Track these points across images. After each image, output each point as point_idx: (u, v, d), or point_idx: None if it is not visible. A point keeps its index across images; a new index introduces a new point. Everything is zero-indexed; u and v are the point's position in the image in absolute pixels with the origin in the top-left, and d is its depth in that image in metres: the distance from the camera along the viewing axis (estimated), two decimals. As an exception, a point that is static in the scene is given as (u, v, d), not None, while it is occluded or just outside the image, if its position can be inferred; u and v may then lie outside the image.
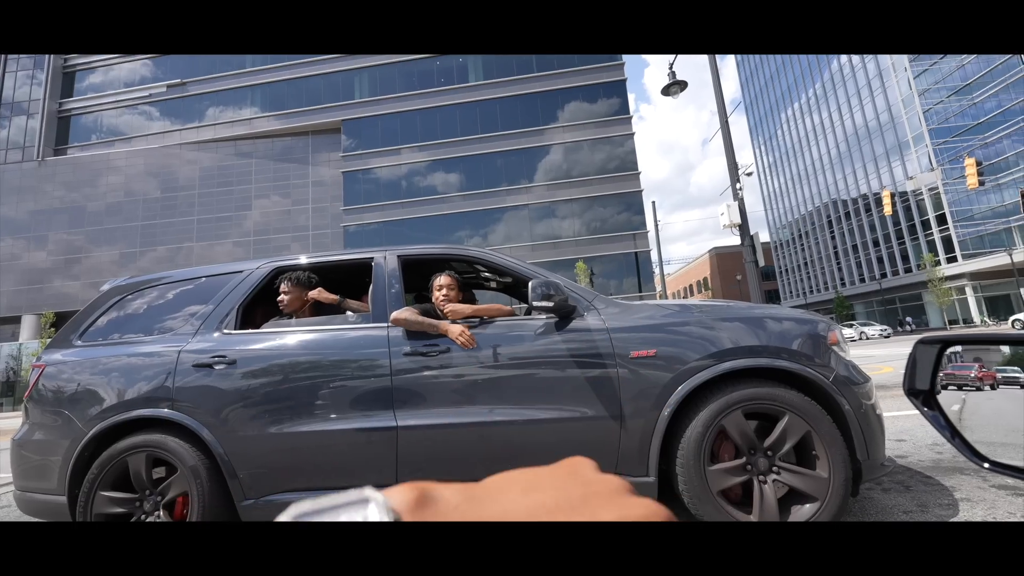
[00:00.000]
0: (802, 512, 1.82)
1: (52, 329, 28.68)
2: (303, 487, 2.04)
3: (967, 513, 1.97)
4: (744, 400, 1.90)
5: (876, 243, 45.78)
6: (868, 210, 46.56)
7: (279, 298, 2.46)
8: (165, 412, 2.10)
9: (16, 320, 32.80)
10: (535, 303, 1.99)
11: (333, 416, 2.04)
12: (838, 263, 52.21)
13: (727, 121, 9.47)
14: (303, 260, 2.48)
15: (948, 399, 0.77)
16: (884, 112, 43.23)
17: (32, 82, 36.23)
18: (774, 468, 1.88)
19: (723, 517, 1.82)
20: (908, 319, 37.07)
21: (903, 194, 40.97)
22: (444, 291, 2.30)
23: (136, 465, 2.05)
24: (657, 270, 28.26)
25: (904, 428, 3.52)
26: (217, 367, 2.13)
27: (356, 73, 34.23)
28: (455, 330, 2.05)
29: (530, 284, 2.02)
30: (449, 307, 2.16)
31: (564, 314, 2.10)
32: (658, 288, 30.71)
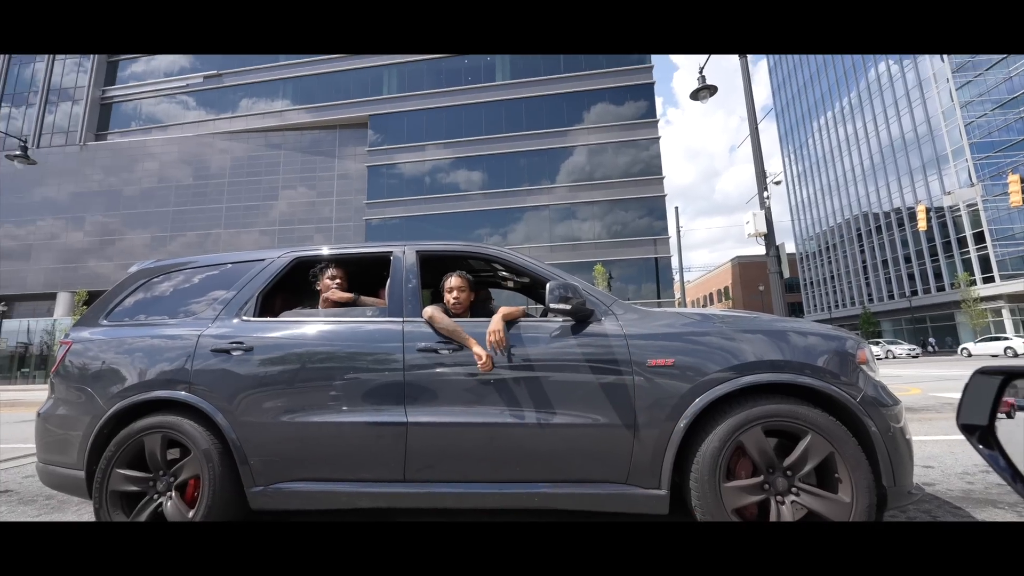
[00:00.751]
0: (821, 537, 1.74)
1: (84, 307, 29.81)
2: (312, 477, 2.05)
3: (1000, 550, 1.86)
4: (765, 416, 1.82)
5: (908, 259, 44.18)
6: (900, 225, 44.97)
7: (334, 285, 2.45)
8: (182, 395, 2.13)
9: (52, 297, 34.25)
10: (552, 305, 1.96)
11: (344, 408, 2.04)
12: (866, 278, 50.58)
13: (757, 128, 9.24)
14: (323, 251, 2.50)
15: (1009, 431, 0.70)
16: (923, 124, 41.68)
17: (79, 69, 37.77)
18: (793, 489, 1.80)
19: (737, 536, 1.75)
20: (931, 340, 35.62)
21: (939, 210, 39.44)
22: (455, 293, 2.25)
23: (152, 445, 2.09)
24: (677, 277, 27.84)
25: (932, 454, 3.37)
26: (234, 353, 2.16)
27: (385, 69, 34.67)
28: (481, 354, 1.97)
29: (548, 286, 1.98)
30: (492, 336, 2.00)
31: (581, 318, 2.06)
32: (677, 295, 30.25)
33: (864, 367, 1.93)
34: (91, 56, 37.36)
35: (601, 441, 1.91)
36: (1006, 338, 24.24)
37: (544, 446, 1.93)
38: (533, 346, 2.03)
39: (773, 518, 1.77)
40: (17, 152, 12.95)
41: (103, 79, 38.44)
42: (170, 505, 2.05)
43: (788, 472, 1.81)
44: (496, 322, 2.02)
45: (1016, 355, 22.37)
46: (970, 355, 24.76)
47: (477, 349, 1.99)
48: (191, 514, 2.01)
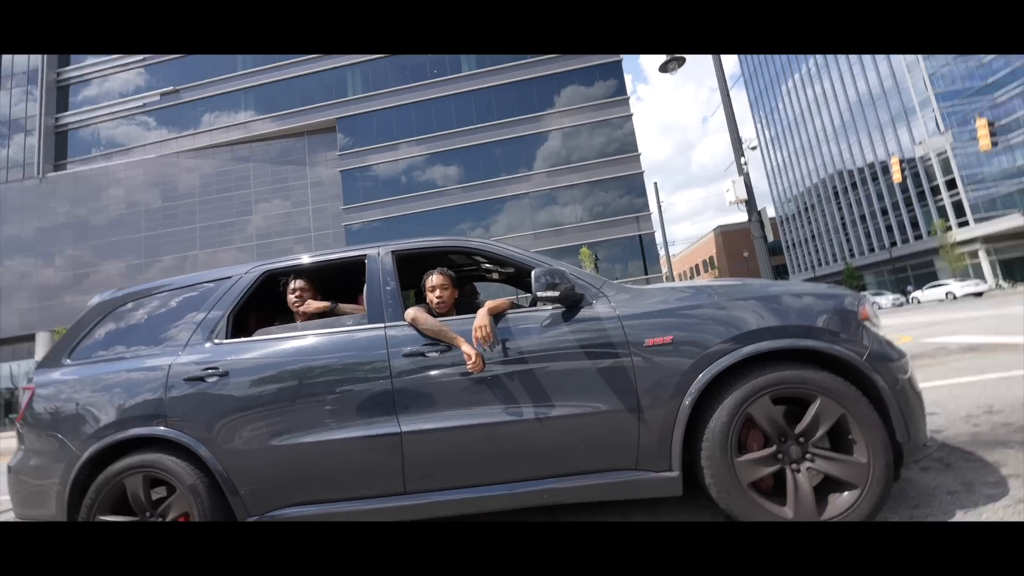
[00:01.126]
0: (841, 500, 1.70)
1: (65, 344, 28.90)
2: (308, 500, 1.94)
3: (1020, 491, 1.83)
4: (771, 385, 1.76)
5: (884, 212, 45.02)
6: (875, 179, 45.72)
7: (295, 295, 2.33)
8: (160, 430, 2.00)
9: (31, 338, 33.20)
10: (539, 293, 1.86)
11: (332, 424, 1.93)
12: (846, 234, 51.46)
13: (728, 95, 9.19)
14: (293, 262, 2.36)
15: None
16: (888, 78, 42.21)
17: (28, 98, 36.27)
18: (807, 456, 1.75)
19: (755, 510, 1.70)
20: (909, 288, 36.26)
21: (910, 160, 40.11)
22: (437, 292, 2.14)
23: (134, 487, 1.96)
24: (662, 252, 27.96)
25: (934, 400, 3.37)
26: (209, 379, 2.03)
27: (348, 70, 33.88)
28: (470, 353, 1.87)
29: (533, 273, 1.88)
30: (479, 332, 1.88)
31: (571, 303, 1.96)
32: (664, 270, 30.45)
33: (866, 323, 1.88)
34: (39, 82, 35.90)
35: (605, 429, 1.83)
36: (945, 284, 27.21)
37: (546, 441, 1.85)
38: (524, 338, 1.94)
39: (790, 487, 1.71)
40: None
41: (55, 106, 36.98)
42: (159, 546, 1.92)
43: (801, 439, 1.76)
44: (482, 317, 1.91)
45: (955, 298, 25.01)
46: (919, 302, 27.33)
47: (466, 348, 1.88)
48: (183, 553, 1.88)
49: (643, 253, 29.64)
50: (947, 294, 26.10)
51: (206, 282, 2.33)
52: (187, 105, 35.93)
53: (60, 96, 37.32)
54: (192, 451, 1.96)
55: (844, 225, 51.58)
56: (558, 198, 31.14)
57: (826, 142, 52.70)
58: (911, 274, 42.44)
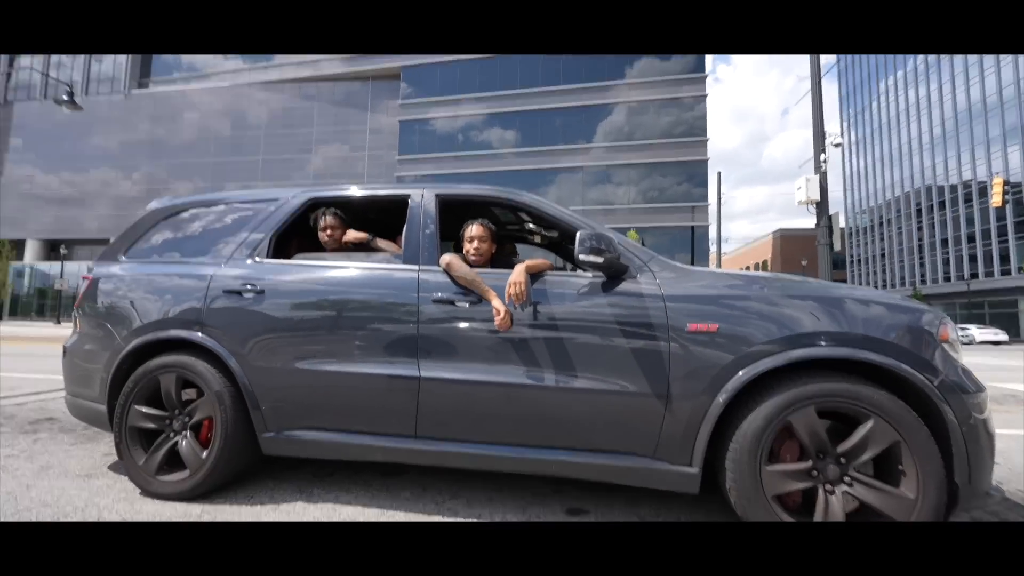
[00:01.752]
0: (874, 532, 1.55)
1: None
2: (323, 426, 1.98)
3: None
4: (819, 395, 1.60)
5: (971, 239, 40.83)
6: (967, 200, 41.30)
7: (325, 233, 2.35)
8: (197, 336, 2.08)
9: (106, 242, 36.24)
10: (582, 256, 1.74)
11: (355, 358, 1.94)
12: (920, 257, 47.30)
13: (819, 83, 8.37)
14: (339, 192, 2.34)
15: None
16: (1009, 87, 37.27)
17: (121, 16, 38.14)
18: (846, 478, 1.60)
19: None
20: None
21: (1015, 185, 35.87)
22: (475, 243, 2.07)
23: (167, 384, 2.07)
24: (713, 247, 26.77)
25: (999, 449, 3.04)
26: (246, 295, 2.07)
27: (420, 18, 33.36)
28: (500, 308, 1.80)
29: (578, 235, 1.77)
30: (513, 288, 1.79)
31: (613, 273, 1.84)
32: (712, 266, 29.19)
33: (945, 346, 1.66)
34: (133, 2, 37.56)
35: (628, 410, 1.74)
36: (966, 328, 27.19)
37: (565, 411, 1.78)
38: (558, 303, 1.85)
39: (819, 508, 1.57)
40: (64, 97, 13.27)
41: (145, 26, 38.77)
42: (185, 444, 2.04)
43: (842, 459, 1.60)
44: (518, 273, 1.83)
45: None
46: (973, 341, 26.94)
47: (496, 303, 1.81)
48: (204, 454, 1.99)
49: (693, 246, 28.46)
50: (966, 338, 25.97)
51: (256, 201, 2.36)
52: (263, 38, 36.74)
53: (150, 16, 38.98)
54: (223, 361, 2.03)
55: (920, 247, 47.35)
56: (613, 176, 30.10)
57: (918, 152, 47.79)
58: (988, 312, 38.78)
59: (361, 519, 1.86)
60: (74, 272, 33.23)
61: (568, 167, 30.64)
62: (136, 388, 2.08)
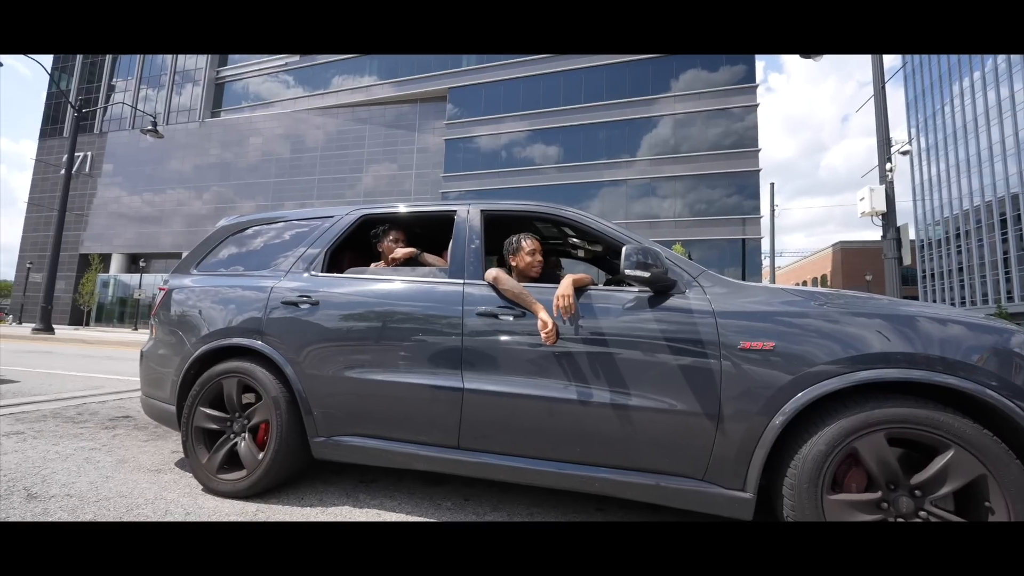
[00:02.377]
0: None
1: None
2: (370, 433, 2.04)
3: None
4: (891, 421, 1.47)
5: (1068, 252, 36.62)
6: (1063, 210, 37.17)
7: (396, 246, 2.48)
8: (257, 344, 2.21)
9: (179, 256, 39.51)
10: (628, 271, 1.72)
11: (402, 368, 1.99)
12: (1007, 272, 42.86)
13: (883, 87, 7.88)
14: (389, 209, 2.45)
15: None
16: (1110, 84, 33.52)
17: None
18: (921, 512, 1.46)
19: (840, 558, 1.46)
20: None
21: (1122, 192, 31.95)
22: (538, 256, 2.15)
23: (229, 388, 2.21)
24: (766, 261, 25.52)
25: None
26: (302, 306, 2.19)
27: (466, 41, 34.59)
28: (547, 321, 1.80)
29: (624, 249, 1.74)
30: (561, 301, 1.81)
31: (661, 288, 1.80)
32: (765, 281, 27.78)
33: (1039, 371, 1.49)
34: (209, 39, 41.37)
35: (676, 430, 1.68)
36: None
37: (609, 428, 1.74)
38: (604, 317, 1.82)
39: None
40: (149, 127, 14.82)
41: (217, 60, 42.56)
42: (243, 446, 2.16)
43: (917, 491, 1.46)
44: (566, 286, 1.83)
45: None
46: None
47: (544, 316, 1.82)
48: (260, 456, 2.10)
49: (744, 260, 27.25)
50: None
51: (312, 218, 2.51)
52: (320, 67, 39.36)
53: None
54: (280, 368, 2.15)
55: (1006, 261, 42.94)
56: (658, 189, 29.53)
57: (1000, 158, 43.69)
58: (1091, 333, 34.36)
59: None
60: (150, 283, 36.36)
61: (611, 180, 30.39)
62: (202, 391, 2.24)
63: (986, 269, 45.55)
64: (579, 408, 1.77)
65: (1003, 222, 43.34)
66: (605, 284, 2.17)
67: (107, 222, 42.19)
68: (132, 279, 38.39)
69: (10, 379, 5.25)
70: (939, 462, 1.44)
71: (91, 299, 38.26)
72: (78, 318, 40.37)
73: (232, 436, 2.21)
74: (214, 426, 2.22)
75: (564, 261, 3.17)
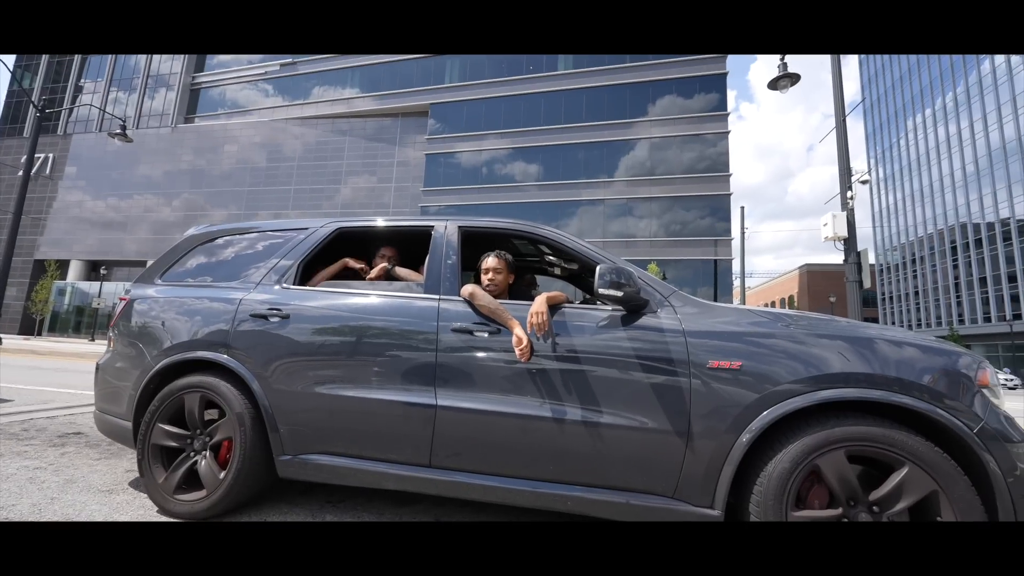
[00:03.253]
0: (913, 590, 1.44)
1: (170, 275, 32.77)
2: (339, 452, 1.98)
3: None
4: (850, 439, 1.53)
5: (1012, 278, 39.05)
6: (1007, 239, 39.76)
7: (384, 262, 2.45)
8: (223, 357, 2.14)
9: (143, 264, 38.00)
10: (601, 290, 1.75)
11: (374, 384, 1.96)
12: (958, 296, 45.33)
13: (844, 120, 8.36)
14: (365, 222, 2.43)
15: None
16: (1045, 125, 36.40)
17: (175, 56, 41.33)
18: (880, 528, 1.51)
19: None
20: (1007, 370, 30.30)
21: (1058, 224, 34.45)
22: (491, 275, 2.15)
23: (191, 403, 2.12)
24: (737, 282, 26.30)
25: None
26: (272, 319, 2.14)
27: (448, 58, 35.08)
28: (522, 337, 1.81)
29: (598, 269, 1.78)
30: (535, 318, 1.83)
31: (633, 307, 1.84)
32: (735, 301, 28.60)
33: (985, 391, 1.58)
34: (186, 45, 40.66)
35: (647, 447, 1.70)
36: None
37: (581, 446, 1.74)
38: (577, 336, 1.84)
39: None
40: (118, 131, 14.33)
41: (194, 66, 41.78)
42: (204, 464, 2.07)
43: (874, 507, 1.52)
44: (540, 304, 1.84)
45: None
46: None
47: (518, 332, 1.82)
48: (222, 475, 2.01)
49: (716, 280, 28.02)
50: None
51: (286, 230, 2.47)
52: (302, 77, 39.12)
53: (199, 57, 42.08)
54: (246, 383, 2.08)
55: (957, 286, 45.45)
56: (635, 210, 30.23)
57: (951, 190, 46.59)
58: (1034, 354, 36.56)
59: (372, 550, 1.83)
60: (111, 292, 34.75)
61: (589, 199, 30.96)
62: (161, 406, 2.14)
63: (939, 293, 48.08)
64: (553, 425, 1.77)
65: (954, 249, 46.03)
66: (581, 303, 2.20)
67: (67, 227, 40.30)
68: (92, 287, 36.64)
69: (-52, 392, 4.90)
70: (895, 479, 1.50)
71: (45, 307, 36.21)
72: (29, 327, 38.09)
73: (192, 454, 2.11)
74: (173, 443, 2.12)
75: (540, 279, 3.20)
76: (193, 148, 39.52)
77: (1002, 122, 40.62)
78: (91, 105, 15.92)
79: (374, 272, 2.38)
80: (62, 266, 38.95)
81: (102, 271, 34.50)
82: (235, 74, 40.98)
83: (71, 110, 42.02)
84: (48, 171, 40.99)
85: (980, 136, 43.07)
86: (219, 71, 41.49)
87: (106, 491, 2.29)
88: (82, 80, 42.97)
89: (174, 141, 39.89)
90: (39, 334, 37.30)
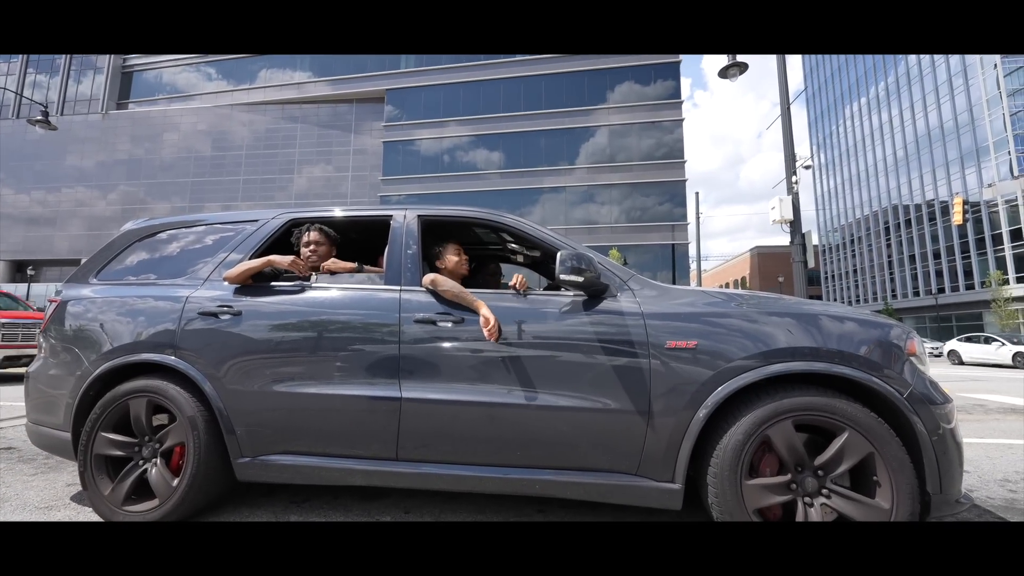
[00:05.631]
0: (853, 544, 1.56)
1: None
2: (301, 451, 1.93)
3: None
4: (797, 409, 1.63)
5: (937, 255, 42.60)
6: (931, 219, 43.25)
7: (308, 249, 2.23)
8: (170, 359, 2.02)
9: (76, 263, 35.15)
10: (562, 276, 1.77)
11: (335, 380, 1.90)
12: (891, 273, 49.05)
13: (788, 108, 8.76)
14: (320, 213, 2.34)
15: None
16: (964, 113, 39.58)
17: (100, 37, 37.91)
18: (824, 490, 1.62)
19: (757, 538, 1.58)
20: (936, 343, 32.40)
21: (974, 204, 37.75)
22: (462, 254, 2.19)
23: (136, 409, 2.00)
24: (694, 265, 27.29)
25: (968, 458, 3.14)
26: (223, 316, 2.03)
27: (404, 42, 34.04)
28: (489, 317, 1.81)
29: (559, 255, 1.80)
30: (487, 323, 1.84)
31: (594, 292, 1.87)
32: (693, 283, 29.74)
33: (913, 359, 1.72)
34: (114, 23, 37.44)
35: (610, 428, 1.74)
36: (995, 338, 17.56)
37: (547, 430, 1.77)
38: (540, 322, 1.86)
39: (799, 520, 1.59)
40: (39, 117, 13.06)
41: (125, 47, 38.58)
42: (155, 472, 1.96)
43: (819, 472, 1.63)
44: (487, 311, 1.84)
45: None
46: (961, 361, 18.20)
47: (485, 312, 1.82)
48: (175, 482, 1.91)
49: (674, 264, 28.99)
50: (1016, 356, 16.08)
51: (236, 222, 2.34)
52: (247, 59, 36.90)
53: (131, 37, 38.83)
54: (197, 384, 1.98)
55: (890, 263, 49.14)
56: (596, 196, 30.68)
57: (884, 174, 50.04)
58: (955, 324, 40.19)
59: (340, 547, 1.80)
60: (41, 294, 32.01)
61: (552, 187, 31.15)
62: (104, 414, 2.00)
63: (875, 270, 51.85)
64: (518, 412, 1.78)
65: (887, 229, 49.61)
66: (544, 289, 2.22)
67: (-16, 224, 36.68)
68: (18, 289, 33.57)
69: None
70: (836, 444, 1.61)
71: (-37, 313, 32.93)
72: (-55, 336, 34.58)
73: (141, 462, 1.99)
74: (119, 452, 1.99)
75: (504, 266, 3.20)
76: (129, 136, 36.66)
77: (927, 111, 43.84)
78: (5, 89, 14.41)
79: (339, 268, 2.19)
80: (-19, 267, 35.48)
81: (29, 271, 31.63)
82: (172, 56, 38.11)
83: (-19, 94, 37.95)
84: (-42, 162, 37.02)
85: (908, 124, 46.34)
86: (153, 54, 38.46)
87: (45, 508, 2.13)
88: (-8, 61, 38.80)
89: (106, 129, 36.85)
90: (-42, 343, 33.92)
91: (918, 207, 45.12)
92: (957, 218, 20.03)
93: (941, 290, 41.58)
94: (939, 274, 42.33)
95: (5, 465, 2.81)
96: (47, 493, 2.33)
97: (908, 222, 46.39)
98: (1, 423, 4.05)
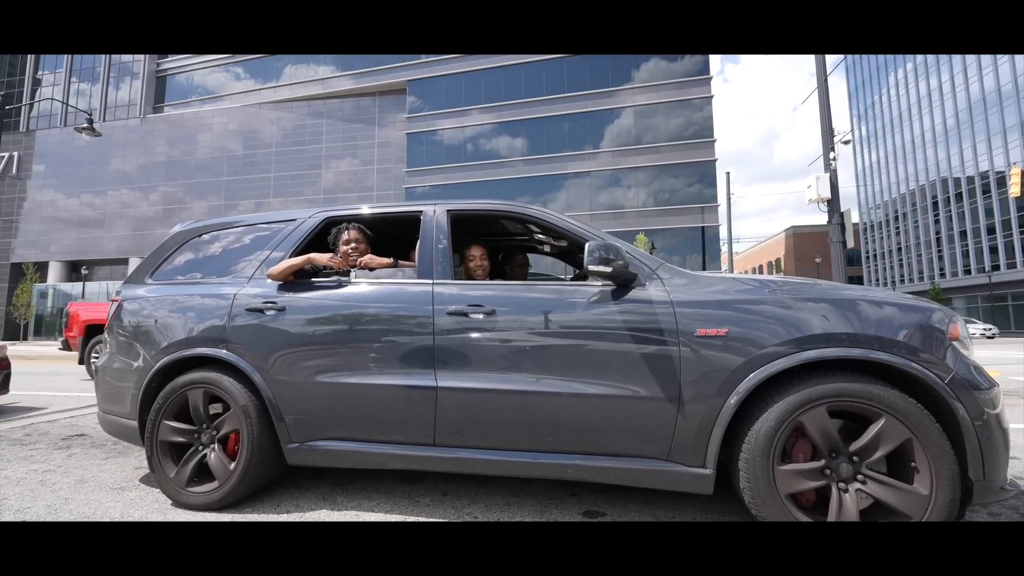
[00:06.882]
0: (890, 530, 1.56)
1: (154, 271, 32.23)
2: (344, 436, 2.05)
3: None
4: (831, 396, 1.62)
5: (991, 230, 39.83)
6: (986, 192, 40.37)
7: (349, 247, 2.31)
8: (222, 353, 2.17)
9: (124, 262, 37.24)
10: (591, 267, 1.80)
11: (374, 369, 2.01)
12: (939, 250, 46.26)
13: (825, 80, 8.34)
14: (353, 211, 2.43)
15: None
16: (1023, 76, 36.53)
17: (136, 43, 39.42)
18: (859, 476, 1.61)
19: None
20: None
21: (1035, 174, 35.00)
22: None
23: (195, 399, 2.16)
24: (725, 247, 26.57)
25: (1018, 443, 3.01)
26: (268, 312, 2.16)
27: (424, 32, 33.97)
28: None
29: (586, 246, 1.82)
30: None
31: (623, 282, 1.89)
32: (724, 267, 28.95)
33: (956, 344, 1.67)
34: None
35: (641, 415, 1.78)
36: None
37: (578, 417, 1.82)
38: (570, 312, 1.90)
39: (833, 506, 1.59)
40: (84, 124, 13.79)
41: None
42: (213, 457, 2.12)
43: (855, 458, 1.62)
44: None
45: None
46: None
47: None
48: (232, 466, 2.07)
49: (704, 247, 28.26)
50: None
51: (274, 222, 2.46)
52: (271, 57, 37.65)
53: (164, 42, 40.22)
54: (247, 376, 2.12)
55: (938, 240, 46.33)
56: (622, 180, 30.11)
57: (932, 145, 46.93)
58: (1011, 304, 37.73)
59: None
60: (95, 292, 34.13)
61: (576, 172, 30.74)
62: (166, 404, 2.18)
63: (921, 248, 49.01)
64: (550, 400, 1.84)
65: (935, 204, 46.69)
66: (572, 279, 2.25)
67: (41, 227, 39.20)
68: (74, 288, 35.92)
69: (-58, 402, 4.88)
70: (872, 430, 1.60)
71: (28, 311, 35.54)
72: (14, 332, 37.44)
73: (201, 448, 2.16)
74: (181, 439, 2.17)
75: (532, 257, 3.23)
76: (166, 138, 38.26)
77: (982, 74, 40.68)
78: (52, 99, 15.26)
79: (375, 263, 2.27)
80: (41, 268, 38.06)
81: (83, 271, 33.74)
82: (201, 57, 39.33)
83: (31, 105, 40.25)
84: (15, 171, 39.60)
85: (961, 89, 43.14)
86: (184, 55, 39.78)
87: (118, 488, 2.34)
88: (40, 72, 41.01)
89: (145, 132, 38.56)
90: (24, 339, 36.69)
91: (970, 179, 42.20)
92: (1015, 189, 18.67)
93: (996, 267, 38.98)
94: (993, 250, 39.65)
95: (80, 450, 3.08)
96: (119, 475, 2.55)
97: (959, 195, 43.50)
98: (72, 411, 4.41)
